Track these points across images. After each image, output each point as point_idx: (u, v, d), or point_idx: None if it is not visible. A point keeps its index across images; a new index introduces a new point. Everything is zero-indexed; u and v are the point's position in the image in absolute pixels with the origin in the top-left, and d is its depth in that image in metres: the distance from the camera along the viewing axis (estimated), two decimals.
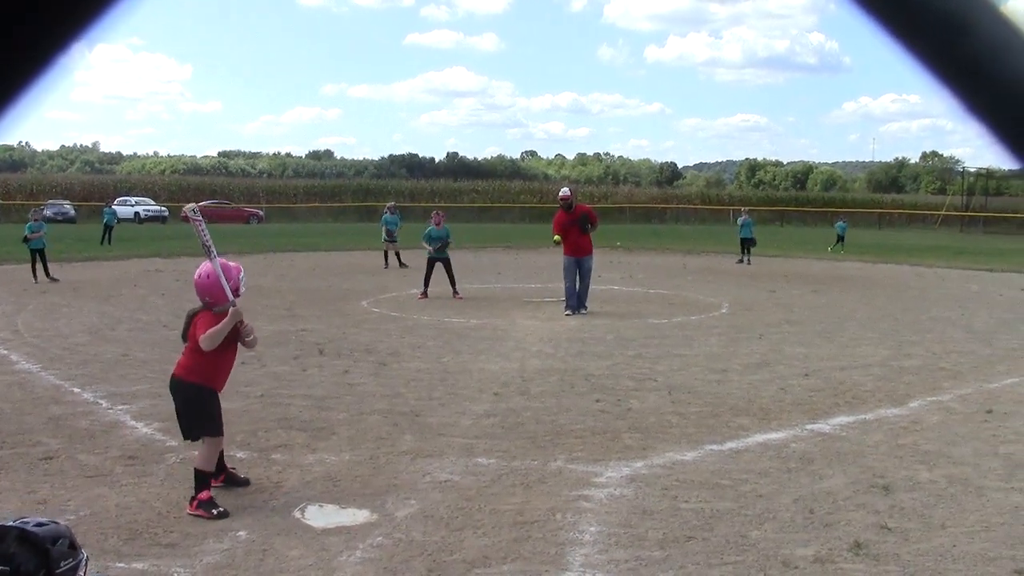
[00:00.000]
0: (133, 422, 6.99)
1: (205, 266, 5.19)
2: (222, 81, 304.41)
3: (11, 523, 2.31)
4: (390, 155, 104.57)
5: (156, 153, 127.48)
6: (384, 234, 21.42)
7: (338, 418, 7.14)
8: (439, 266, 15.34)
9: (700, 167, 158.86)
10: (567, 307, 13.59)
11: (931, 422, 7.26)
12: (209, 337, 5.01)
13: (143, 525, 4.84)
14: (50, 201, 45.72)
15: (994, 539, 4.74)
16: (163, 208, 47.62)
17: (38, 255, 17.23)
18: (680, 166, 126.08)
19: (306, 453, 6.20)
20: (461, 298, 15.11)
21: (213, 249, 5.12)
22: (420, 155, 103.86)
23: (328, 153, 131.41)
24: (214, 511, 4.95)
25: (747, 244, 24.34)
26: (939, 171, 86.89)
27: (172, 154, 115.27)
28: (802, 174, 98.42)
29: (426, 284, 15.32)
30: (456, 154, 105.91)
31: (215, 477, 5.28)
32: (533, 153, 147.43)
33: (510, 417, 7.22)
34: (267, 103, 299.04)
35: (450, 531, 4.79)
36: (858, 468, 5.96)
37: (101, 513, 5.01)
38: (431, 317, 13.11)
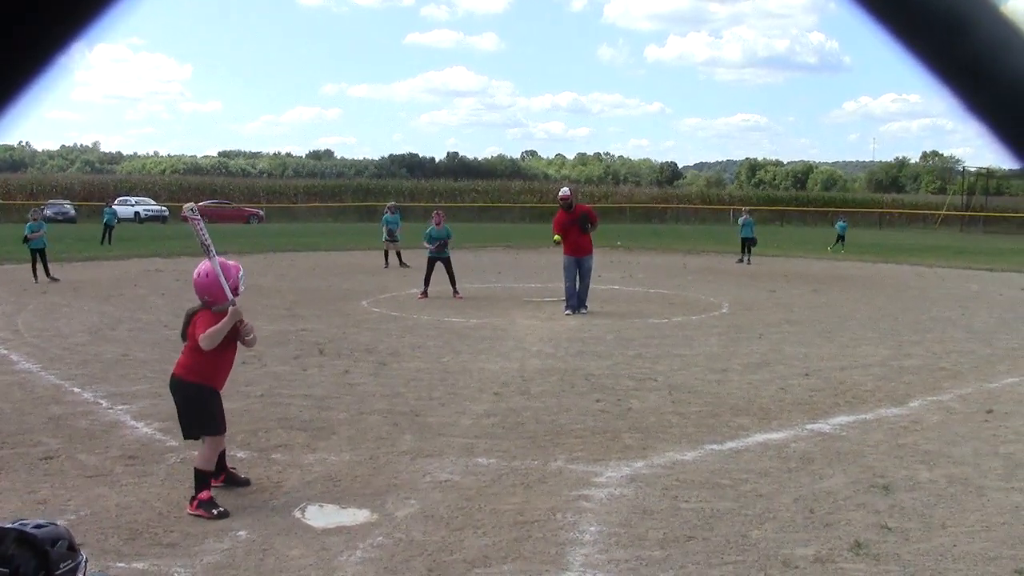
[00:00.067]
0: (133, 422, 7.00)
1: (204, 265, 5.19)
2: (222, 81, 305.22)
3: (10, 525, 2.31)
4: (390, 155, 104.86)
5: (156, 153, 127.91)
6: (385, 234, 21.42)
7: (338, 418, 7.14)
8: (439, 266, 15.34)
9: (700, 167, 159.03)
10: (567, 307, 13.60)
11: (931, 422, 7.26)
12: (209, 336, 5.01)
13: (143, 525, 4.84)
14: (50, 201, 45.74)
15: (994, 539, 4.74)
16: (163, 208, 47.61)
17: (38, 255, 17.23)
18: (680, 166, 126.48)
19: (306, 453, 6.20)
20: (461, 298, 15.11)
21: (212, 248, 5.12)
22: (420, 155, 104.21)
23: (328, 153, 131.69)
24: (214, 511, 4.95)
25: (748, 243, 24.37)
26: (939, 171, 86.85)
27: (172, 154, 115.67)
28: (802, 174, 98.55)
29: (426, 284, 15.32)
30: (456, 154, 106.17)
31: (215, 477, 5.28)
32: (533, 153, 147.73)
33: (510, 417, 7.21)
34: (267, 103, 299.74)
35: (450, 531, 4.79)
36: (858, 468, 5.96)
37: (101, 513, 5.01)
38: (431, 317, 13.12)
